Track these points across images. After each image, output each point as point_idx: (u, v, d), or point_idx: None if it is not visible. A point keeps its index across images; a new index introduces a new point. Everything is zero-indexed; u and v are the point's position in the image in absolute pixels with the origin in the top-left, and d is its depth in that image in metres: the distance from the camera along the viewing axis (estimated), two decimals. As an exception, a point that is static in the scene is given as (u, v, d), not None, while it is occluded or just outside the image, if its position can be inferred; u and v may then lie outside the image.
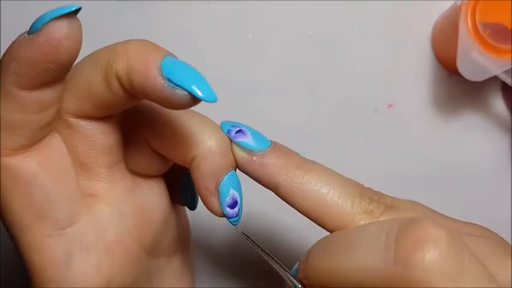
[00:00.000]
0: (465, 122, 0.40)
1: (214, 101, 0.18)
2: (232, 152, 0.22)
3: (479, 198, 0.40)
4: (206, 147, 0.21)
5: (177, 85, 0.18)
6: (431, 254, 0.17)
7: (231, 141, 0.22)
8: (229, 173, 0.21)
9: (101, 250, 0.21)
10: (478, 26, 0.34)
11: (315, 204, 0.21)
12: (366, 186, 0.23)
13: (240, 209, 0.22)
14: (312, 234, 0.23)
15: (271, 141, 0.23)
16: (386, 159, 0.40)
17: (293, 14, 0.40)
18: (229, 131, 0.22)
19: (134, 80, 0.18)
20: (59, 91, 0.19)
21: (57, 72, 0.19)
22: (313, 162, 0.22)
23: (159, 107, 0.22)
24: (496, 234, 0.22)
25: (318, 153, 0.43)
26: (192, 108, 0.19)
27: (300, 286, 0.21)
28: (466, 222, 0.22)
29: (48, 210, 0.20)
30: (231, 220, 0.22)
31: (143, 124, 0.22)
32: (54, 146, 0.21)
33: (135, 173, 0.23)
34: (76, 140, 0.21)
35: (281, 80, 0.40)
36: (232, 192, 0.21)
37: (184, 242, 0.28)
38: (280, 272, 0.22)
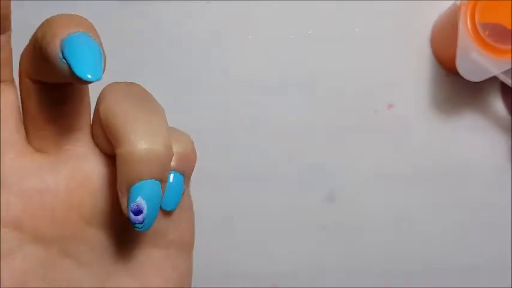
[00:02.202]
0: (465, 122, 0.40)
1: (92, 79, 0.18)
2: None
3: (479, 198, 0.40)
4: (129, 148, 0.20)
5: (65, 58, 0.19)
6: None
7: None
8: (144, 182, 0.20)
9: (15, 192, 0.22)
10: (478, 26, 0.34)
11: None
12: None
13: (145, 219, 0.21)
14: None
15: None
16: (386, 159, 0.40)
17: (293, 13, 0.40)
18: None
19: (42, 46, 0.19)
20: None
21: None
22: None
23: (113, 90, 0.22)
24: None
25: (318, 153, 0.43)
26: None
27: None
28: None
29: None
30: (135, 226, 0.21)
31: (88, 102, 0.23)
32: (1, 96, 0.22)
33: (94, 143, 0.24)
34: (31, 102, 0.22)
35: (281, 80, 0.40)
36: (140, 201, 0.20)
37: (173, 237, 0.25)
38: None
